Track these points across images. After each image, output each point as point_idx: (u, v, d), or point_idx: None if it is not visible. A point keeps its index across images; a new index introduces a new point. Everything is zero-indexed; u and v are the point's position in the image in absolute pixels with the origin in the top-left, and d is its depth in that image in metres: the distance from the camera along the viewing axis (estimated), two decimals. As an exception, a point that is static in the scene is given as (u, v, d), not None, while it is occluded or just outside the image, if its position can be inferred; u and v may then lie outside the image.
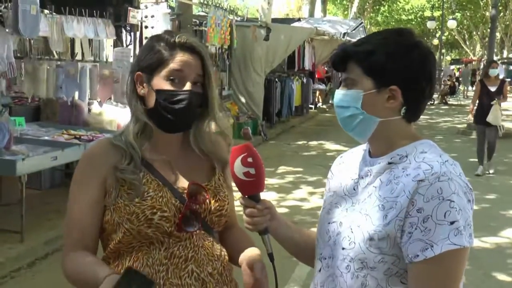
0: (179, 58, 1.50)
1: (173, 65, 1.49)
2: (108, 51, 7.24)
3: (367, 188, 1.38)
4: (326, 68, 19.09)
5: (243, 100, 11.88)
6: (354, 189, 1.42)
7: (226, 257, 1.59)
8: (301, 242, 1.58)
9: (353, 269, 1.34)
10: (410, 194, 1.27)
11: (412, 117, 1.39)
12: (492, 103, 8.44)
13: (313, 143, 11.73)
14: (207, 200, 1.53)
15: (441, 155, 1.33)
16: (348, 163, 1.52)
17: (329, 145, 11.43)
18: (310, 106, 17.29)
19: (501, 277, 4.74)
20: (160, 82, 1.50)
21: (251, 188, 1.44)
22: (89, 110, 6.85)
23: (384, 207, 1.30)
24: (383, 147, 1.38)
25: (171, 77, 1.49)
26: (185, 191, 1.51)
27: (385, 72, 1.33)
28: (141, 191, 1.47)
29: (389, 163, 1.36)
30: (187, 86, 1.50)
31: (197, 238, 1.52)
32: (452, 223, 1.22)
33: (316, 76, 17.87)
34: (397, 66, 1.33)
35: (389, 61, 1.33)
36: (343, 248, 1.36)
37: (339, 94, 1.40)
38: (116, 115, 6.81)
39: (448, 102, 22.85)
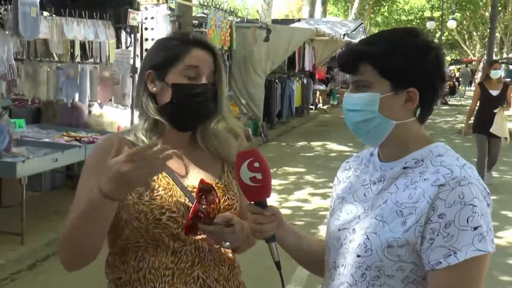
0: (195, 54, 1.52)
1: (189, 60, 1.51)
2: (111, 53, 7.23)
3: (381, 194, 1.34)
4: (326, 69, 19.10)
5: (243, 101, 11.87)
6: (365, 195, 1.38)
7: (233, 259, 1.58)
8: (309, 250, 1.54)
9: (369, 278, 1.29)
10: (430, 199, 1.23)
11: (425, 118, 1.37)
12: (495, 111, 7.37)
13: (314, 144, 11.72)
14: (216, 199, 1.51)
15: (458, 159, 1.31)
16: (355, 168, 1.48)
17: (330, 146, 11.43)
18: (311, 107, 17.29)
19: (503, 277, 4.73)
20: (176, 77, 1.51)
21: (258, 194, 1.40)
22: (90, 112, 6.85)
23: (403, 213, 1.27)
24: (396, 151, 1.35)
25: (188, 72, 1.51)
26: (195, 189, 1.49)
27: (403, 75, 1.30)
28: (152, 190, 1.46)
29: (404, 167, 1.32)
30: (204, 80, 1.52)
31: (202, 242, 1.50)
32: (475, 228, 1.20)
33: (317, 76, 17.86)
34: (415, 68, 1.30)
35: (408, 63, 1.29)
36: (358, 256, 1.31)
37: (351, 97, 1.34)
38: (117, 116, 6.81)
39: (448, 102, 22.86)
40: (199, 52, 1.53)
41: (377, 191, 1.36)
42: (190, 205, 1.47)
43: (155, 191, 1.46)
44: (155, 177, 1.47)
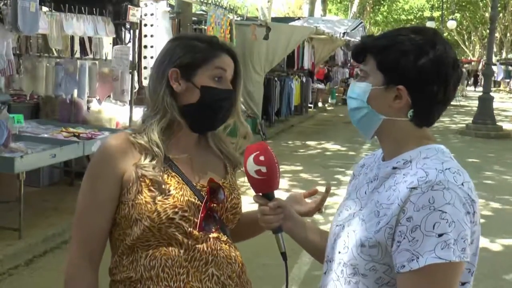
0: (224, 59, 1.56)
1: (219, 64, 1.54)
2: (108, 49, 7.22)
3: (373, 193, 1.36)
4: (326, 68, 19.07)
5: (242, 99, 11.79)
6: (365, 193, 1.40)
7: (240, 257, 1.60)
8: (319, 243, 1.56)
9: (346, 274, 1.32)
10: (401, 202, 1.22)
11: (422, 122, 1.33)
12: None
13: (312, 142, 11.72)
14: (224, 198, 1.54)
15: (443, 162, 1.27)
16: (367, 165, 1.49)
17: (328, 145, 11.43)
18: (310, 105, 17.29)
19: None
20: (205, 80, 1.53)
21: (263, 186, 1.46)
22: (88, 108, 6.85)
23: (379, 213, 1.28)
24: (391, 150, 1.35)
25: (217, 76, 1.53)
26: (204, 188, 1.52)
27: (395, 70, 1.30)
28: (164, 189, 1.46)
29: (394, 168, 1.32)
30: (229, 85, 1.57)
31: (214, 241, 1.52)
32: (440, 235, 1.16)
33: (316, 76, 17.85)
34: (408, 66, 1.28)
35: (402, 59, 1.28)
36: (339, 252, 1.35)
37: (352, 84, 1.39)
38: (115, 113, 6.81)
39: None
40: (226, 57, 1.56)
41: (371, 190, 1.37)
42: (200, 204, 1.49)
43: (167, 191, 1.47)
44: (165, 176, 1.49)
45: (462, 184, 1.23)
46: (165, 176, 1.49)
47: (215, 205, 1.52)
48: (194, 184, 1.52)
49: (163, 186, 1.47)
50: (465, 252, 1.19)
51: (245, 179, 1.49)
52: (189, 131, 1.56)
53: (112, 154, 1.51)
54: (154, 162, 1.48)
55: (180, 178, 1.51)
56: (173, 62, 1.53)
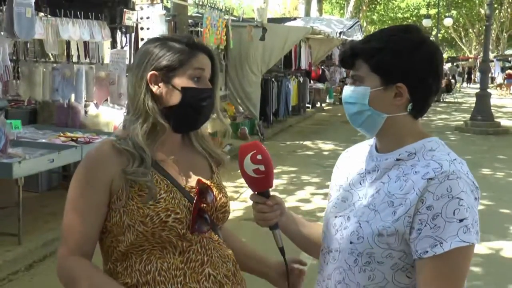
0: (201, 59, 1.56)
1: (197, 64, 1.55)
2: (105, 53, 7.22)
3: (374, 184, 1.41)
4: (320, 69, 19.06)
5: (239, 100, 11.88)
6: (360, 184, 1.45)
7: (233, 256, 1.62)
8: (310, 237, 1.61)
9: (361, 263, 1.37)
10: (420, 191, 1.30)
11: (419, 113, 1.41)
12: None
13: (310, 142, 11.73)
14: (214, 198, 1.55)
15: (449, 154, 1.37)
16: (354, 157, 1.54)
17: (326, 144, 11.44)
18: (307, 105, 17.29)
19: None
20: (184, 81, 1.53)
21: (261, 185, 1.48)
22: (86, 112, 6.85)
23: (393, 203, 1.33)
24: (391, 143, 1.41)
25: (196, 76, 1.54)
26: (193, 189, 1.53)
27: (391, 70, 1.35)
28: (155, 193, 1.47)
29: (397, 159, 1.38)
30: (208, 84, 1.57)
31: (207, 241, 1.54)
32: (461, 220, 1.26)
33: (312, 76, 17.84)
34: (403, 64, 1.35)
35: (396, 58, 1.35)
36: (351, 242, 1.39)
37: (348, 90, 1.43)
38: (113, 117, 6.80)
39: (444, 100, 22.89)
40: (203, 56, 1.57)
41: (371, 180, 1.42)
42: (190, 205, 1.50)
43: (158, 195, 1.48)
44: (154, 180, 1.49)
45: (467, 173, 1.33)
46: (154, 180, 1.49)
47: (205, 205, 1.53)
48: (183, 186, 1.53)
49: (153, 191, 1.47)
50: (478, 234, 1.30)
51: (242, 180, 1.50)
52: (172, 132, 1.57)
53: (98, 162, 1.50)
54: (141, 167, 1.48)
55: (168, 181, 1.51)
56: (151, 65, 1.53)
